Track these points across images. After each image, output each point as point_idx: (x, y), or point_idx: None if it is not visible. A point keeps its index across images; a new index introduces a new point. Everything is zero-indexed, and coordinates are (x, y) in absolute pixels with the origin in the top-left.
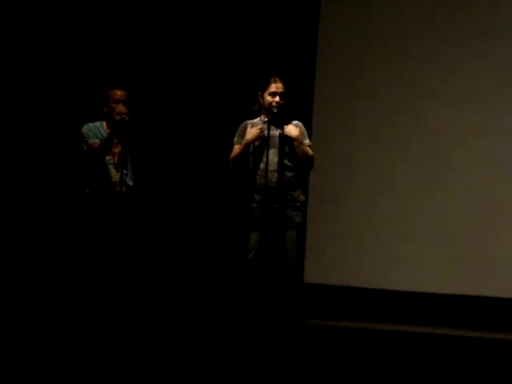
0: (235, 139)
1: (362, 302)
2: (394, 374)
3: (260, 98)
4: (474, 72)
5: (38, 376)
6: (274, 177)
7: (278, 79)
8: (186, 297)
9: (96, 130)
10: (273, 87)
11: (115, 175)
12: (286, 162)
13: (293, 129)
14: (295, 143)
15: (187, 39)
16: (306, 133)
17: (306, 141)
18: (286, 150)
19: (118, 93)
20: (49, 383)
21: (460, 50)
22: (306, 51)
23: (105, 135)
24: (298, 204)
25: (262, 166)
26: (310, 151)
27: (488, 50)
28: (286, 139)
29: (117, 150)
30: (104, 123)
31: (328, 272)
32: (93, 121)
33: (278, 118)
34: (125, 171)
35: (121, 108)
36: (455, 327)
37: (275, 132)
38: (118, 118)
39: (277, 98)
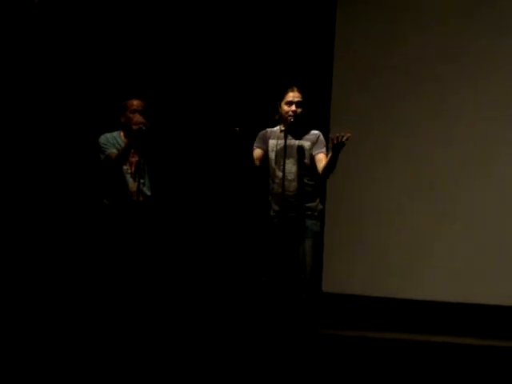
0: (254, 145)
1: (380, 311)
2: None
3: (279, 108)
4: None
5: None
6: (291, 186)
7: (295, 88)
8: (202, 305)
9: (113, 139)
10: (289, 96)
11: (132, 185)
12: (304, 171)
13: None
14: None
15: (205, 50)
16: (324, 143)
17: (323, 149)
18: (304, 159)
19: (135, 103)
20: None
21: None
22: (322, 59)
23: (122, 145)
24: (315, 213)
25: (280, 175)
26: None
27: None
28: (302, 149)
29: (134, 159)
30: (121, 133)
31: (346, 281)
32: (110, 131)
33: (297, 127)
34: (142, 181)
35: (138, 118)
36: (476, 337)
37: (293, 142)
38: (135, 127)
39: (293, 107)
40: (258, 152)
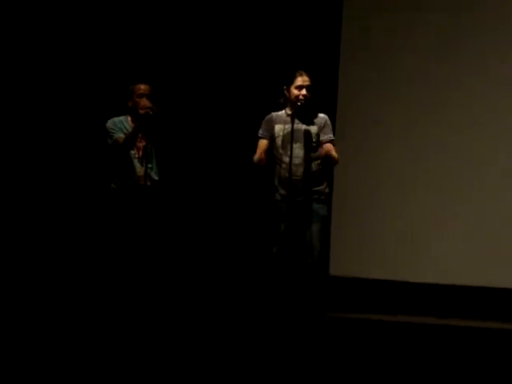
0: (260, 132)
1: (387, 294)
2: (418, 366)
3: (286, 92)
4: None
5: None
6: (299, 170)
7: (303, 72)
8: (209, 289)
9: (121, 124)
10: (299, 80)
11: (140, 169)
12: (311, 155)
13: (332, 149)
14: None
15: (212, 33)
16: (331, 127)
17: (330, 135)
18: (311, 143)
19: (142, 87)
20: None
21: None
22: (329, 42)
23: (129, 129)
24: (322, 197)
25: (287, 159)
26: (336, 156)
27: None
28: (309, 134)
29: (141, 144)
30: (128, 117)
31: (353, 265)
32: (117, 115)
33: (303, 111)
34: (149, 165)
35: (145, 102)
36: (479, 319)
37: (300, 126)
38: (142, 112)
39: (303, 91)
40: (263, 144)
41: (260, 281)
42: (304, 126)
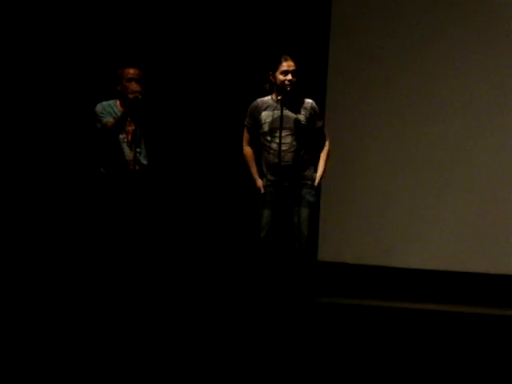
0: (246, 120)
1: (374, 280)
2: (407, 352)
3: (271, 78)
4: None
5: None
6: (286, 156)
7: (288, 57)
8: (197, 274)
9: (110, 108)
10: (284, 66)
11: (129, 154)
12: (299, 141)
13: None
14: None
15: (199, 18)
16: (319, 112)
17: (319, 122)
18: (300, 130)
19: (131, 71)
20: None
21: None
22: (319, 26)
23: (118, 114)
24: (309, 182)
25: (275, 145)
26: (327, 149)
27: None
28: (298, 122)
29: (130, 128)
30: (117, 102)
31: (341, 250)
32: (106, 99)
33: (291, 96)
34: (138, 150)
35: (134, 86)
36: (467, 304)
37: (288, 112)
38: (131, 96)
39: (289, 76)
40: (249, 136)
41: (248, 266)
42: (291, 112)
